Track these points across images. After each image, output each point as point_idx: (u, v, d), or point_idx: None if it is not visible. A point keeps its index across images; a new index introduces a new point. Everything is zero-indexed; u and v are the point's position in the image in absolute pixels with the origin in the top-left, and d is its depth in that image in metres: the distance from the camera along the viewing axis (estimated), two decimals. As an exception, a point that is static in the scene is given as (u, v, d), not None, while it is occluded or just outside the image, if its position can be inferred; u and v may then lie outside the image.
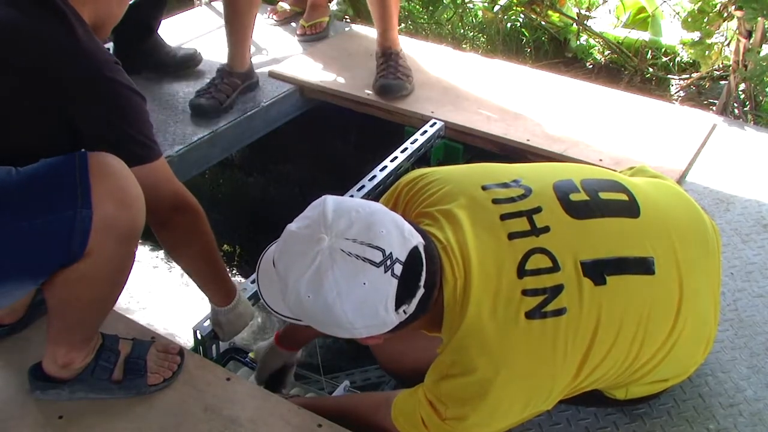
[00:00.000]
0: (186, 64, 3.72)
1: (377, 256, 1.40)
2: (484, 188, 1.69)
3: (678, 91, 4.15)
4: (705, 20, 3.61)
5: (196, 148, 3.15)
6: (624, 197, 1.72)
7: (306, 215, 1.49)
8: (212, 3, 4.50)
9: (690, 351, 1.79)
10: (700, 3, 3.61)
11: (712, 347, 1.88)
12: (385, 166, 2.95)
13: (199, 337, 2.26)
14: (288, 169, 3.91)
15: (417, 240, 1.47)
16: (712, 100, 4.03)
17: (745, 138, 3.28)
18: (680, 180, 2.96)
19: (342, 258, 1.39)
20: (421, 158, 3.13)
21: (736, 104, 3.77)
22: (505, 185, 1.70)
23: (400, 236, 1.44)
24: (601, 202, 1.69)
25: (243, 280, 3.22)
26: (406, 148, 3.06)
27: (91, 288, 1.72)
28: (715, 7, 3.59)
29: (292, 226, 1.49)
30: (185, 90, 3.53)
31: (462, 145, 3.27)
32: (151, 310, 2.98)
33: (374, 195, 2.81)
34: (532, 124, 3.26)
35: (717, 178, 3.00)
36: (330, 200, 1.48)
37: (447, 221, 1.63)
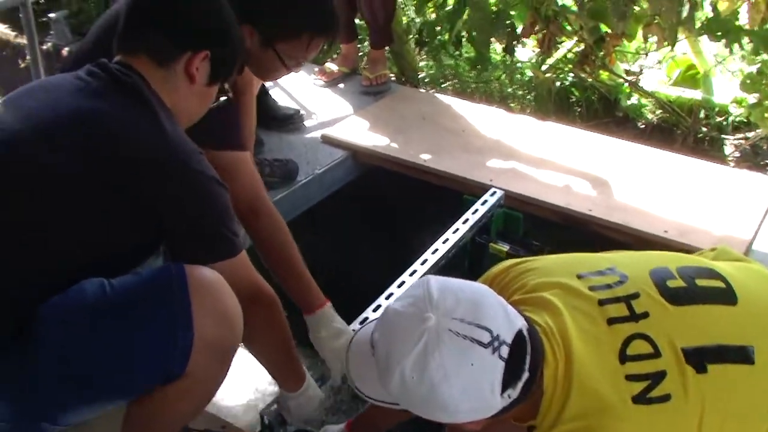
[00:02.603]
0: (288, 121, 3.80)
1: (485, 337, 1.38)
2: (579, 276, 1.66)
3: (733, 152, 4.09)
4: (764, 82, 3.56)
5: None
6: (721, 284, 1.68)
7: (409, 294, 1.48)
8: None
9: None
10: (759, 64, 3.57)
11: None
12: (447, 239, 2.89)
13: (266, 422, 2.21)
14: (341, 231, 3.87)
15: (521, 323, 1.45)
16: (768, 161, 3.97)
17: (810, 204, 3.20)
18: (747, 251, 2.89)
19: (449, 338, 1.37)
20: (482, 228, 3.08)
21: (794, 166, 3.72)
22: (600, 273, 1.67)
23: (506, 318, 1.43)
24: (698, 288, 1.65)
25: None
26: (467, 219, 3.00)
27: (185, 404, 1.70)
28: (774, 69, 3.56)
29: (394, 305, 1.48)
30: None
31: (522, 214, 3.22)
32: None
33: (437, 269, 2.76)
34: (593, 192, 3.21)
35: (785, 248, 2.93)
36: (433, 280, 1.47)
37: (544, 308, 1.60)
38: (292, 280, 2.21)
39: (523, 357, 1.43)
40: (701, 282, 1.66)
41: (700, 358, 1.53)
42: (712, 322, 1.60)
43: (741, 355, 1.58)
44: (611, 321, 1.56)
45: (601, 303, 1.58)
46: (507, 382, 1.40)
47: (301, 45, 2.24)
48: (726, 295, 1.65)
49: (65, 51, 5.20)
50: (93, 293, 1.56)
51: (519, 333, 1.43)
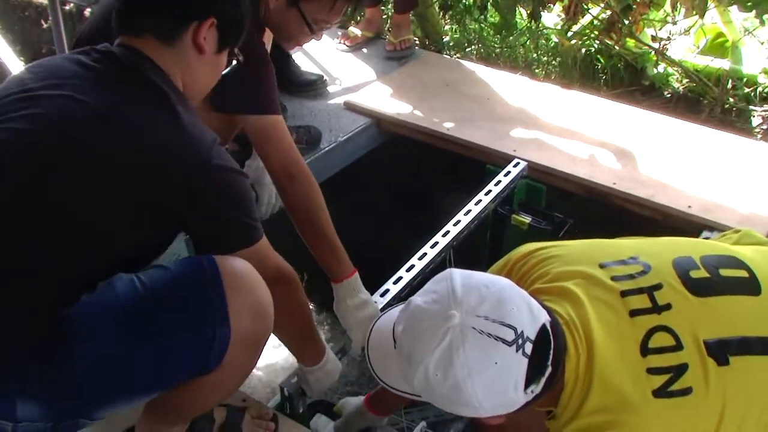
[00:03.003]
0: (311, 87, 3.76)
1: (509, 335, 1.37)
2: (601, 266, 1.65)
3: (761, 124, 4.03)
4: (794, 54, 3.50)
5: (274, 187, 3.10)
6: (744, 274, 1.66)
7: (432, 289, 1.48)
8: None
9: None
10: (789, 36, 3.51)
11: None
12: (469, 210, 2.88)
13: (286, 394, 2.22)
14: (362, 200, 3.86)
15: (544, 317, 1.45)
16: (797, 133, 3.91)
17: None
18: (772, 229, 2.86)
19: (473, 336, 1.37)
20: (504, 199, 3.07)
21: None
22: (623, 262, 1.66)
23: (530, 313, 1.43)
24: (721, 279, 1.63)
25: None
26: (489, 191, 2.99)
27: (216, 393, 1.71)
28: (805, 40, 3.49)
29: (417, 300, 1.47)
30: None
31: (545, 186, 3.20)
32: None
33: (459, 240, 2.76)
34: (617, 165, 3.19)
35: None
36: (457, 274, 1.47)
37: (566, 298, 1.59)
38: (322, 247, 2.22)
39: (547, 352, 1.43)
40: (725, 272, 1.64)
41: (722, 350, 1.52)
42: (735, 314, 1.59)
43: (764, 346, 1.57)
44: (633, 313, 1.55)
45: (624, 294, 1.57)
46: (530, 379, 1.40)
47: (326, 5, 2.21)
48: (750, 285, 1.63)
49: (87, 12, 5.19)
50: (124, 291, 1.55)
51: (542, 328, 1.42)
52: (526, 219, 3.08)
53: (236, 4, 1.80)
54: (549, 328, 1.44)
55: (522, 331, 1.38)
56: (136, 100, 1.63)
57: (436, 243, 2.70)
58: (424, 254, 2.65)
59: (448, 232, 2.76)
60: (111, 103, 1.61)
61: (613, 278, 1.61)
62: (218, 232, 1.69)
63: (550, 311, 1.50)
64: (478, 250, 3.31)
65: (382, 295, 2.46)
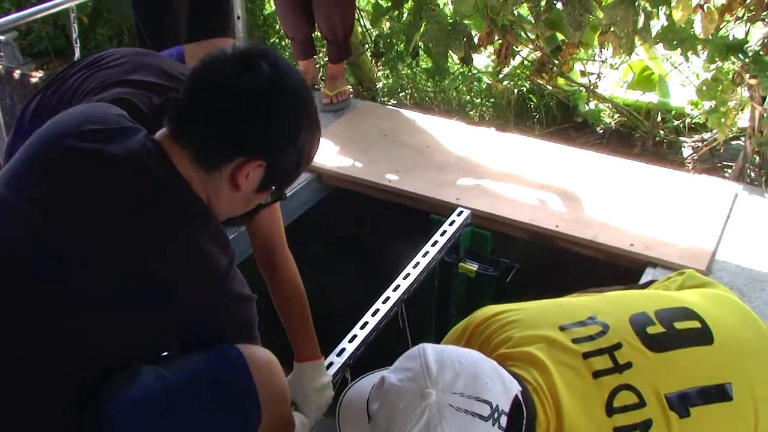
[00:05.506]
0: None
1: (485, 410, 1.39)
2: (561, 328, 1.68)
3: (691, 154, 4.15)
4: (719, 89, 3.61)
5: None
6: (697, 324, 1.71)
7: (405, 366, 1.48)
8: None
9: None
10: (713, 72, 3.62)
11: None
12: (418, 263, 2.89)
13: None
14: (308, 255, 3.85)
15: (516, 388, 1.47)
16: (726, 163, 4.03)
17: (768, 207, 3.29)
18: (711, 261, 2.94)
19: (451, 413, 1.37)
20: (451, 248, 3.10)
21: (749, 167, 3.77)
22: (581, 323, 1.69)
23: (503, 386, 1.44)
24: (676, 332, 1.68)
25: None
26: (436, 241, 3.01)
27: None
28: (729, 74, 3.60)
29: (391, 378, 1.47)
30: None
31: (490, 232, 3.24)
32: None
33: (410, 293, 2.77)
34: (559, 207, 3.24)
35: (747, 255, 2.97)
36: (429, 350, 1.47)
37: (531, 364, 1.61)
38: (301, 321, 2.33)
39: (520, 423, 1.44)
40: (679, 325, 1.69)
41: (683, 402, 1.56)
42: (692, 366, 1.63)
43: (720, 393, 1.61)
44: (597, 374, 1.58)
45: (586, 356, 1.60)
46: None
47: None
48: (703, 336, 1.69)
49: (17, 73, 5.16)
50: (153, 383, 1.56)
51: (515, 399, 1.44)
52: (473, 267, 3.11)
53: (293, 153, 1.73)
54: (521, 398, 1.46)
55: (497, 405, 1.40)
56: (154, 215, 1.60)
57: (388, 298, 2.71)
58: (377, 310, 2.65)
59: (398, 286, 2.77)
60: (126, 221, 1.59)
61: (574, 341, 1.63)
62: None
63: (519, 379, 1.52)
64: (426, 300, 3.34)
65: (338, 355, 2.46)
